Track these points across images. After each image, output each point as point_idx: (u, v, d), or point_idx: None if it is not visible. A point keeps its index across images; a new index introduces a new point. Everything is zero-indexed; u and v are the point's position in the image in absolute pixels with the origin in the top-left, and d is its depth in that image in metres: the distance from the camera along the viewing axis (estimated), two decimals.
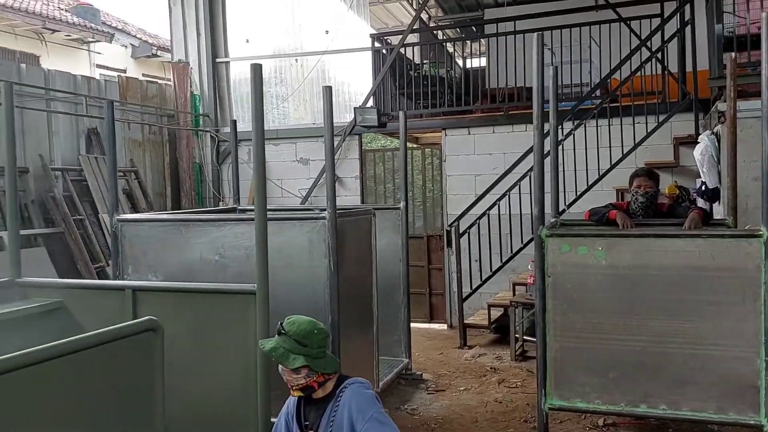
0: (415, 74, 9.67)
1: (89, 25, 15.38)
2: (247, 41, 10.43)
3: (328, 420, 2.78)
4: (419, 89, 9.23)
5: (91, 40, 15.47)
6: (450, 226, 8.11)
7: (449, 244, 8.20)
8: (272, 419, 3.29)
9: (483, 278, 7.85)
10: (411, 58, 9.71)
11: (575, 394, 4.19)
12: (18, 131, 4.91)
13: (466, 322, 7.61)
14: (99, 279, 7.10)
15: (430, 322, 8.96)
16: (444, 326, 8.69)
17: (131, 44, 16.90)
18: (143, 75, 15.23)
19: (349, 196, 9.04)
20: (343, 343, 4.40)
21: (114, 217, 4.73)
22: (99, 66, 15.73)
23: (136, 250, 4.71)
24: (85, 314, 3.64)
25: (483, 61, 10.86)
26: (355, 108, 8.89)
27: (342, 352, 4.32)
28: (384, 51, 9.46)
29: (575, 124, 7.62)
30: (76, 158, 7.97)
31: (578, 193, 7.45)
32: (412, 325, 6.43)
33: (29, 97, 7.40)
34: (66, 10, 15.66)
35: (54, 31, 14.32)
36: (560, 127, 6.95)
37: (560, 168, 5.52)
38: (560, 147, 6.44)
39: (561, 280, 4.18)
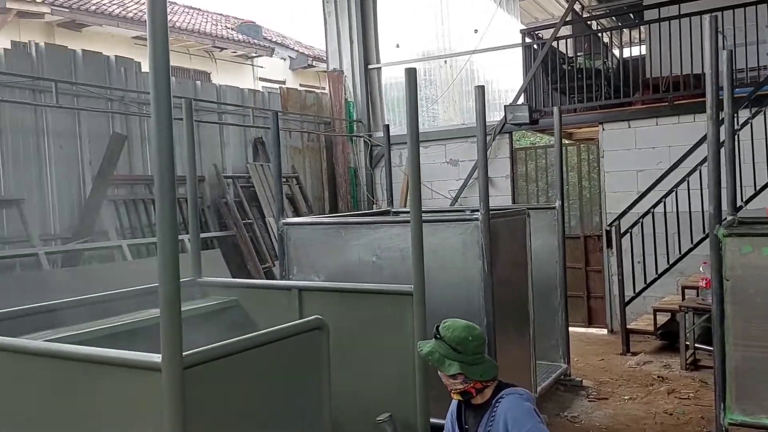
0: (569, 67, 9.30)
1: (252, 41, 16.55)
2: (398, 46, 10.65)
3: (485, 429, 2.74)
4: (573, 83, 8.86)
5: (254, 55, 16.64)
6: (610, 225, 7.71)
7: (609, 245, 7.80)
8: (432, 420, 3.33)
9: (647, 281, 7.37)
10: (564, 52, 9.35)
11: (761, 409, 3.79)
12: (195, 143, 5.34)
13: (629, 327, 7.19)
14: (266, 279, 7.60)
15: (588, 327, 8.57)
16: (604, 331, 8.27)
17: (289, 56, 17.93)
18: (300, 85, 16.09)
19: (499, 196, 8.90)
20: (498, 346, 4.34)
21: (280, 221, 5.04)
22: (261, 79, 16.85)
23: (300, 252, 4.97)
24: (256, 312, 3.92)
25: (642, 50, 10.19)
26: (505, 106, 8.74)
27: (498, 355, 4.26)
28: (535, 46, 9.21)
29: (753, 111, 6.92)
30: (244, 166, 8.60)
31: (757, 188, 6.75)
32: (570, 329, 6.19)
33: (204, 111, 8.11)
34: (232, 29, 16.97)
35: (222, 48, 15.57)
36: (736, 115, 6.33)
37: (737, 160, 5.03)
38: (736, 137, 5.88)
39: (742, 283, 3.80)
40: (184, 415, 1.97)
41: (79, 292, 3.59)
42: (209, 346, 2.18)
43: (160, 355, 1.96)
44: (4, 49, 6.12)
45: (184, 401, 1.97)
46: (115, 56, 7.15)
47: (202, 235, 7.08)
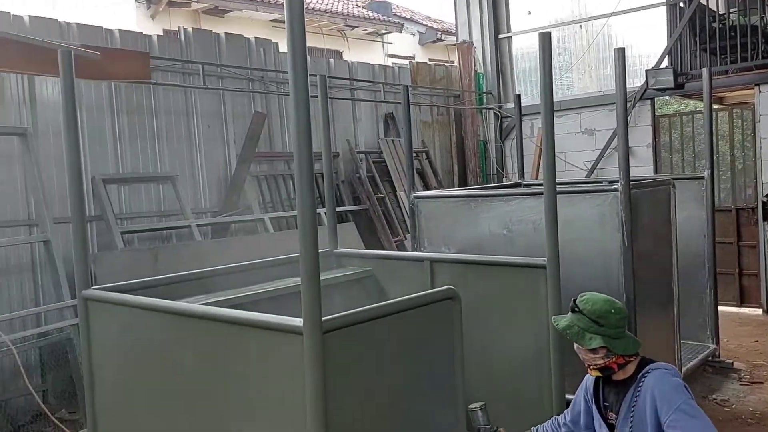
0: (720, 25, 8.51)
1: (382, 18, 16.71)
2: (529, 13, 10.28)
3: (629, 405, 2.63)
4: (725, 42, 8.10)
5: (384, 32, 16.81)
6: (766, 196, 7.04)
7: (766, 218, 7.13)
8: (566, 396, 3.25)
9: None
10: (714, 8, 8.56)
11: None
12: (329, 119, 5.48)
13: None
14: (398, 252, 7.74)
15: (740, 306, 7.94)
16: (758, 311, 7.64)
17: (418, 32, 17.91)
18: (429, 59, 16.05)
19: (639, 167, 8.40)
20: (639, 324, 4.13)
21: (411, 195, 5.10)
22: (391, 56, 17.00)
23: (431, 225, 5.00)
24: (389, 282, 4.02)
25: None
26: (647, 70, 8.20)
27: (638, 334, 4.05)
28: (681, 4, 8.51)
29: None
30: (376, 141, 8.77)
31: None
32: (720, 308, 5.79)
33: (337, 88, 8.34)
34: (363, 7, 17.22)
35: (353, 27, 15.87)
36: None
37: None
38: None
39: None
40: (324, 377, 2.08)
41: (227, 262, 3.88)
42: (347, 312, 2.27)
43: (301, 320, 2.08)
44: (157, 36, 6.65)
45: (324, 364, 2.08)
46: (255, 38, 7.52)
47: (338, 209, 7.33)
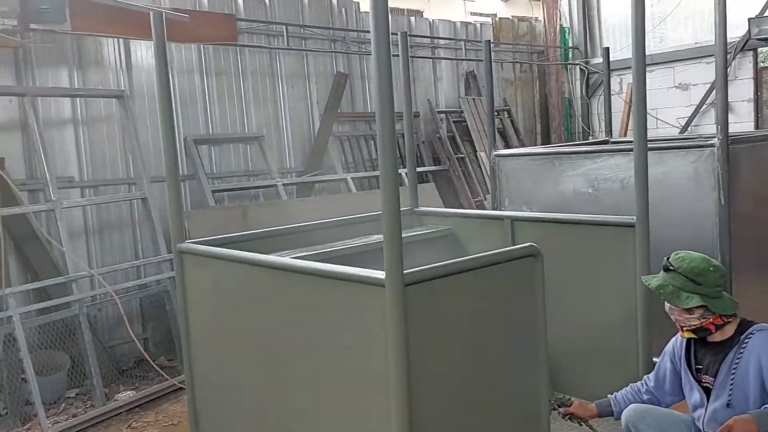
0: None
1: None
2: None
3: (730, 367, 2.53)
4: None
5: None
6: None
7: None
8: (653, 359, 3.18)
9: None
10: None
11: None
12: (410, 79, 5.46)
13: None
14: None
15: None
16: None
17: None
18: (512, 16, 15.55)
19: (739, 123, 7.91)
20: (736, 288, 3.94)
21: (492, 154, 5.03)
22: (472, 13, 16.58)
23: (512, 184, 4.93)
24: (469, 240, 4.02)
25: None
26: (749, 19, 7.63)
27: (736, 298, 3.88)
28: None
29: None
30: (456, 101, 8.66)
31: None
32: None
33: (417, 47, 8.25)
34: None
35: None
36: None
37: None
38: None
39: None
40: (406, 329, 2.13)
41: (311, 220, 3.99)
42: (427, 266, 2.30)
43: (384, 272, 2.13)
44: None
45: (405, 316, 2.12)
46: None
47: (418, 169, 7.34)
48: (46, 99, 5.14)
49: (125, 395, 4.67)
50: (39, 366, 4.38)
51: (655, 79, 8.57)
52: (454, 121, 8.47)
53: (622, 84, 8.88)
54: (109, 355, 5.07)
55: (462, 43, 8.70)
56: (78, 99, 5.35)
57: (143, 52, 5.73)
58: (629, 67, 3.08)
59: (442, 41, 8.61)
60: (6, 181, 4.62)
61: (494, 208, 5.07)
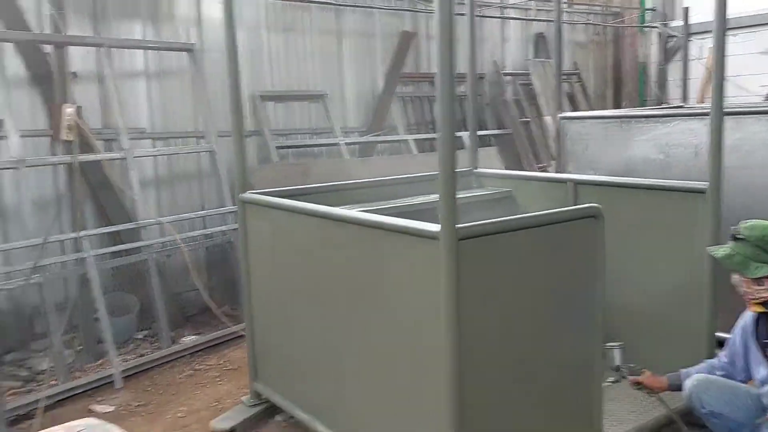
0: None
1: None
2: None
3: None
4: None
5: None
6: None
7: None
8: (717, 333, 3.08)
9: None
10: None
11: None
12: (476, 40, 5.33)
13: None
14: None
15: None
16: None
17: None
18: None
19: None
20: None
21: (557, 116, 4.90)
22: None
23: (577, 148, 4.80)
24: (530, 203, 3.95)
25: None
26: None
27: None
28: None
29: None
30: (524, 63, 8.44)
31: None
32: None
33: (485, 6, 8.05)
34: None
35: None
36: None
37: None
38: None
39: None
40: (459, 282, 2.13)
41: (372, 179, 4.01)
42: (482, 221, 2.29)
43: (438, 226, 2.13)
44: None
45: (458, 269, 2.13)
46: None
47: (481, 132, 7.23)
48: (120, 51, 5.31)
49: (189, 339, 4.89)
50: (111, 307, 4.62)
51: (738, 43, 8.09)
52: (520, 84, 8.27)
53: (702, 49, 8.42)
54: (176, 301, 5.30)
55: (532, 2, 8.42)
56: (150, 52, 5.50)
57: (214, 5, 5.81)
58: (710, 31, 2.91)
59: (511, 0, 8.36)
60: (83, 129, 4.82)
61: (558, 172, 4.96)
